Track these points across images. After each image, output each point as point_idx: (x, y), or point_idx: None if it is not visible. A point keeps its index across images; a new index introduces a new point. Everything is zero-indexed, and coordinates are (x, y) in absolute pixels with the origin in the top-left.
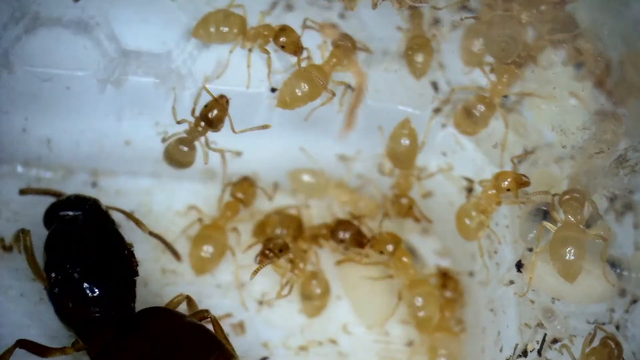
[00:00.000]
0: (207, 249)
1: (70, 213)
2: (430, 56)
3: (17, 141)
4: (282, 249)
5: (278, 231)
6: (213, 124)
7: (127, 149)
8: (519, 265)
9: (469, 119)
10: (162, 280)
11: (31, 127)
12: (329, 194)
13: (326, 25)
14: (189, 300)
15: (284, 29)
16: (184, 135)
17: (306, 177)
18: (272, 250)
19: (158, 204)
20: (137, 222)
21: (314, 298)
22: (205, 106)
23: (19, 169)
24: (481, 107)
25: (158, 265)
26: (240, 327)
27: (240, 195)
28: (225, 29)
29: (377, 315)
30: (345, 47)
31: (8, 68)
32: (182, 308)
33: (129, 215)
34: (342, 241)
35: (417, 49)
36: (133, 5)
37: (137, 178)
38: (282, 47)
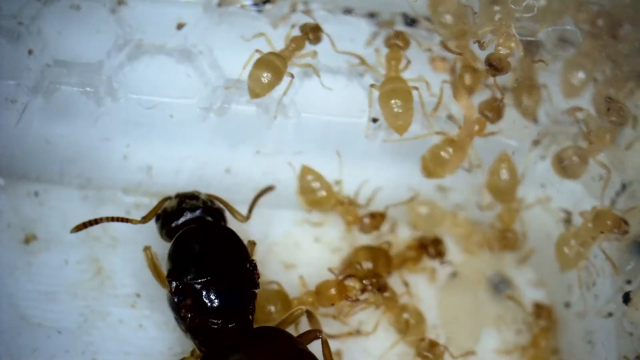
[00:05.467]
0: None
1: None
2: (538, 95)
3: (118, 168)
4: (381, 288)
5: (368, 265)
6: None
7: (227, 176)
8: (627, 299)
9: (562, 166)
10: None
11: (132, 154)
12: (444, 226)
13: (437, 58)
14: (309, 314)
15: None
16: None
17: (424, 209)
18: (373, 286)
19: (255, 232)
20: (232, 210)
21: (410, 329)
22: None
23: (119, 195)
24: (575, 159)
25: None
26: (338, 355)
27: None
28: None
29: (467, 339)
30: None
31: (111, 95)
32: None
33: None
34: (431, 255)
35: (525, 88)
36: (235, 34)
37: (235, 205)
38: None
